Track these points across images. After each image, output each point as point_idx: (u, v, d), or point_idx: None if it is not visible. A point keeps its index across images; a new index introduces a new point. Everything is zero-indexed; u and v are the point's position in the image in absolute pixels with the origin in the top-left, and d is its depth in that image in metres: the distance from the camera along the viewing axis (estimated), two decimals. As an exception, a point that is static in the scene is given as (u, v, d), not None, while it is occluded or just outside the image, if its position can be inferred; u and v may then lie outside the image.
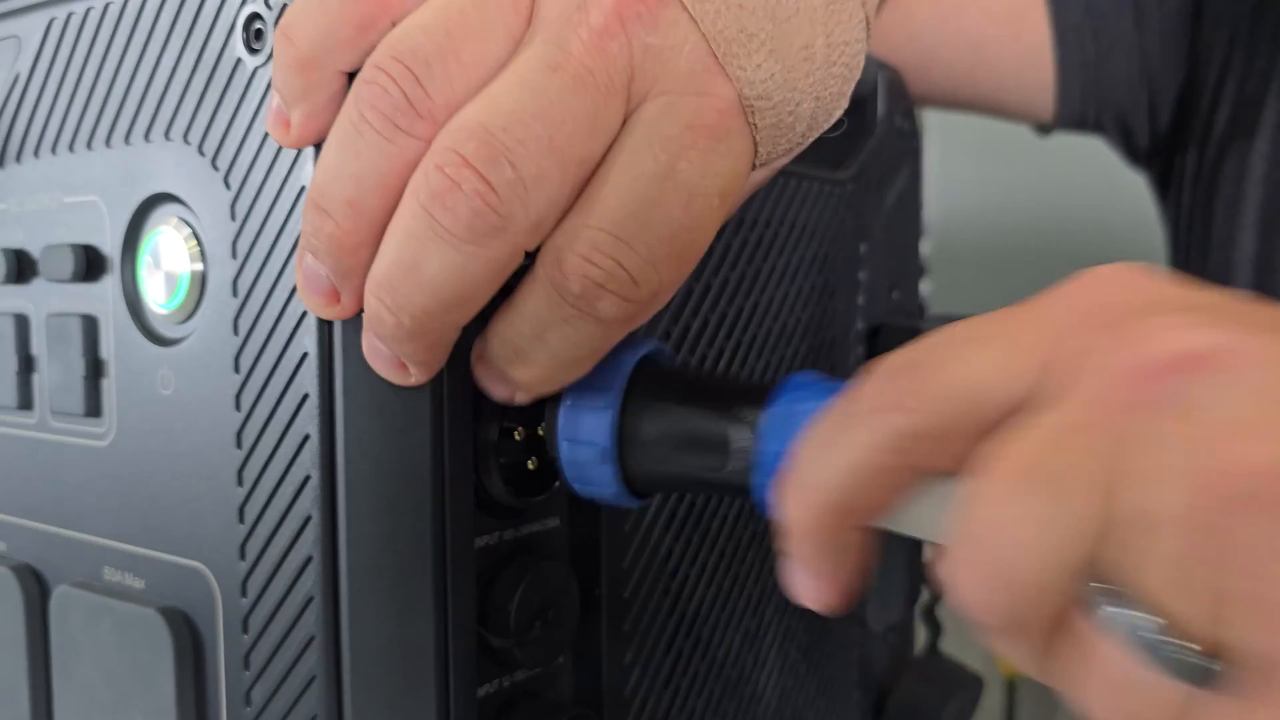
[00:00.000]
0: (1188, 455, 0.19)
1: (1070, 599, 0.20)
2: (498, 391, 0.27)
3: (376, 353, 0.26)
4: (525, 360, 0.26)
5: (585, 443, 0.27)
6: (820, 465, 0.23)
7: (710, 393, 0.27)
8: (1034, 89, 0.66)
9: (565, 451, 0.28)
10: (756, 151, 0.26)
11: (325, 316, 0.27)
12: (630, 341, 0.28)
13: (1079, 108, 0.66)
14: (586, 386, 0.28)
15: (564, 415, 0.28)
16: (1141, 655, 0.19)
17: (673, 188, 0.24)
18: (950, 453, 0.22)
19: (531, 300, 0.25)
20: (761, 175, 0.28)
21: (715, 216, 0.25)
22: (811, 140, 0.29)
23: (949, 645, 0.55)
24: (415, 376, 0.26)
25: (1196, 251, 0.66)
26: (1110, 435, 0.19)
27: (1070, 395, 0.20)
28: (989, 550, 0.20)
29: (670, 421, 0.27)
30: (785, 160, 0.29)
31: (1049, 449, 0.20)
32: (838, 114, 0.29)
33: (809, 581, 0.24)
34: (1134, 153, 0.69)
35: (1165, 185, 0.69)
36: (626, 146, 0.24)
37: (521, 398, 0.27)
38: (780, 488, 0.24)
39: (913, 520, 0.23)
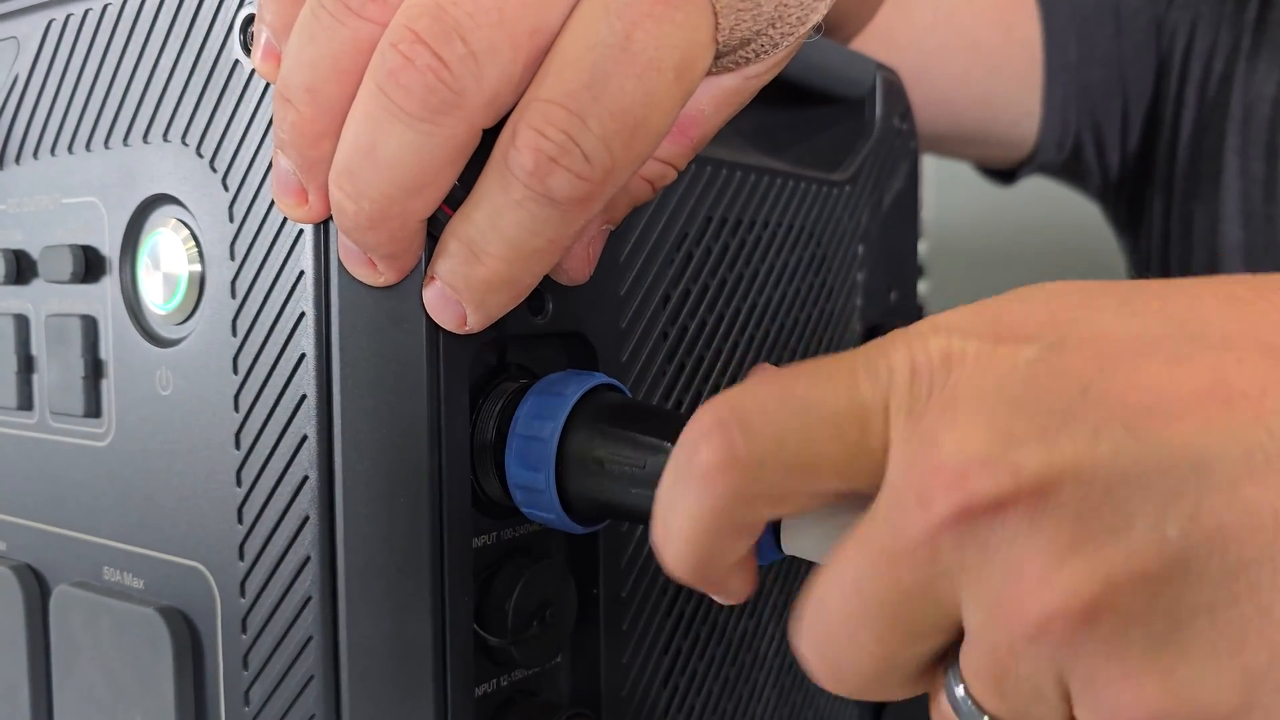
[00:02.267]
0: (992, 595, 0.20)
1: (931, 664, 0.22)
2: (447, 314, 0.26)
3: (347, 251, 0.26)
4: (480, 256, 0.25)
5: (530, 466, 0.28)
6: (670, 526, 0.24)
7: (652, 424, 0.27)
8: (1023, 89, 0.66)
9: (513, 472, 0.28)
10: (717, 25, 0.25)
11: (295, 219, 0.27)
12: (584, 375, 0.29)
13: (1060, 113, 0.67)
14: (534, 414, 0.28)
15: (512, 439, 0.28)
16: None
17: (627, 59, 0.23)
18: (796, 509, 0.23)
19: (485, 183, 0.25)
20: (733, 81, 0.28)
21: (670, 93, 0.24)
22: (788, 44, 0.28)
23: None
24: (385, 275, 0.26)
25: (1177, 254, 0.67)
26: (925, 565, 0.20)
27: (892, 513, 0.21)
28: (815, 646, 0.22)
29: (608, 450, 0.27)
30: (761, 68, 0.28)
31: (866, 565, 0.21)
32: (815, 17, 0.28)
33: (716, 596, 0.25)
34: (1106, 174, 0.70)
35: (1138, 213, 0.70)
36: (582, 14, 0.24)
37: (474, 318, 0.26)
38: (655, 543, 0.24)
39: (801, 547, 0.25)
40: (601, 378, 0.29)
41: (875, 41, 0.61)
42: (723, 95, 0.28)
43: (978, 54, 0.65)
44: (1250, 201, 0.62)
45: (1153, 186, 0.68)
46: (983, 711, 0.21)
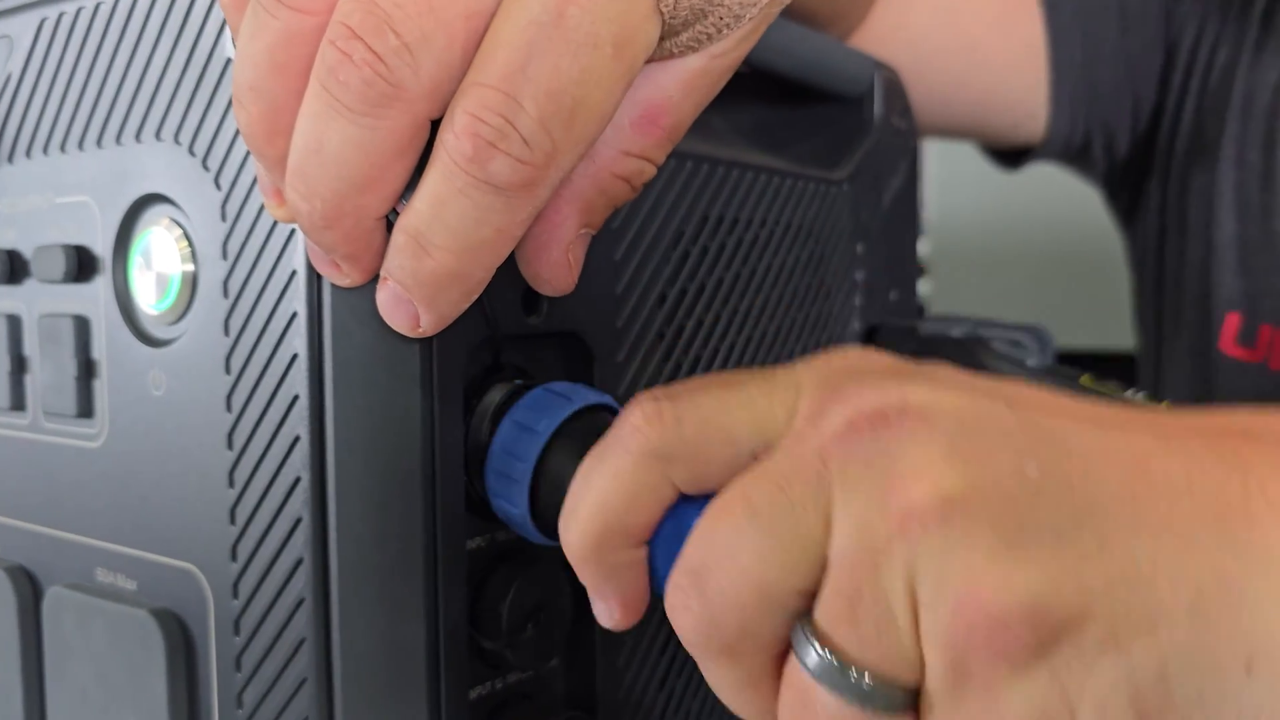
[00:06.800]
0: (864, 501, 0.22)
1: (780, 634, 0.23)
2: (399, 316, 0.26)
3: (313, 251, 0.26)
4: (427, 249, 0.24)
5: (510, 457, 0.27)
6: (584, 490, 0.25)
7: None
8: (1025, 90, 0.66)
9: (494, 460, 0.28)
10: None
11: (277, 219, 0.27)
12: (589, 392, 0.28)
13: (1069, 113, 0.66)
14: (531, 410, 0.28)
15: (505, 424, 0.28)
16: (824, 683, 0.22)
17: (561, 36, 0.23)
18: (708, 479, 0.24)
19: (430, 173, 0.24)
20: (699, 61, 0.27)
21: (610, 70, 0.24)
22: (750, 17, 0.26)
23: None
24: (349, 276, 0.26)
25: (1173, 247, 0.66)
26: (811, 481, 0.22)
27: (789, 444, 0.23)
28: (693, 567, 0.23)
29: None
30: (726, 45, 0.27)
31: (757, 486, 0.23)
32: None
33: (598, 604, 0.26)
34: (1112, 164, 0.69)
35: (1138, 201, 0.70)
36: None
37: (426, 319, 0.26)
38: (561, 522, 0.26)
39: None
40: (607, 398, 0.29)
41: (871, 43, 0.61)
42: (690, 78, 0.27)
43: (977, 56, 0.65)
44: (1246, 191, 0.62)
45: (1152, 177, 0.67)
46: (835, 654, 0.22)
